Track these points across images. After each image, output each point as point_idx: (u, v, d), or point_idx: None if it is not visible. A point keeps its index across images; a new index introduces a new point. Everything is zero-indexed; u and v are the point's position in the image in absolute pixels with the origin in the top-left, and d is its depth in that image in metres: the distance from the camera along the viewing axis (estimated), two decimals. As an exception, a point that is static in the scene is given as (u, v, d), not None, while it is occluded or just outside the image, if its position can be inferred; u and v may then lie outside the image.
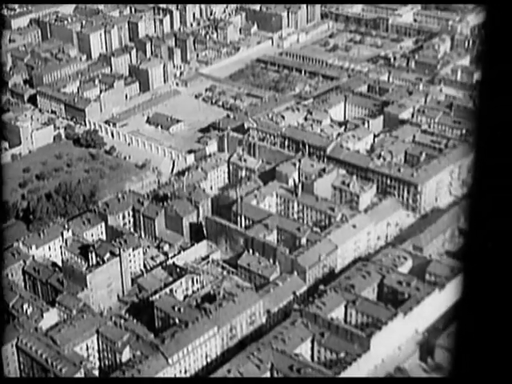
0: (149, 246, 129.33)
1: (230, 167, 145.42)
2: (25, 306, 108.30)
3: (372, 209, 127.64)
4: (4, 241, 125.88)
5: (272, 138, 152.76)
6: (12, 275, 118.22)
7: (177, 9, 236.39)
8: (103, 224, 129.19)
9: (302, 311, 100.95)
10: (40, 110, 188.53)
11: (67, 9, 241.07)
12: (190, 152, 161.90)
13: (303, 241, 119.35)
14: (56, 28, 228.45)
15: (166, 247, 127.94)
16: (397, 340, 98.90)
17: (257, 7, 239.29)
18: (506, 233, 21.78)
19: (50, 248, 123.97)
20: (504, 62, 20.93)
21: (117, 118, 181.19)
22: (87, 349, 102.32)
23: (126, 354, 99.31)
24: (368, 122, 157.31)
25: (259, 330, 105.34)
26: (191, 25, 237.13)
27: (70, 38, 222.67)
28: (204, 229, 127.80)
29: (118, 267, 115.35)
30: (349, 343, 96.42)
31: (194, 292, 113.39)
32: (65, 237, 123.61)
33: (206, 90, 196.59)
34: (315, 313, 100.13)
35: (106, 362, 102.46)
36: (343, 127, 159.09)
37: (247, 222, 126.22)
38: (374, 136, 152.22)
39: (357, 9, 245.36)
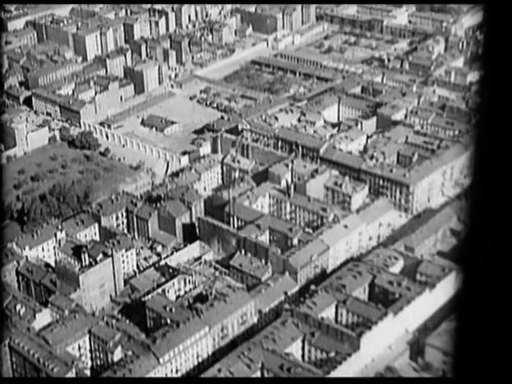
0: (142, 247, 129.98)
1: (224, 168, 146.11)
2: (18, 307, 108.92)
3: (364, 209, 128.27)
4: (2, 240, 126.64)
5: (265, 139, 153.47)
6: (5, 276, 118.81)
7: (172, 11, 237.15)
8: (96, 225, 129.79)
9: (292, 311, 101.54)
10: (35, 112, 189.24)
11: (63, 11, 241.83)
12: (184, 153, 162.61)
13: (295, 241, 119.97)
14: (52, 30, 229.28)
15: (159, 248, 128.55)
16: (387, 339, 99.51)
17: (252, 9, 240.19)
18: (505, 233, 21.96)
19: (43, 249, 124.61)
20: (503, 61, 21.16)
21: (111, 120, 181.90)
22: (79, 349, 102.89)
23: (118, 354, 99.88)
24: (361, 123, 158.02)
25: (251, 329, 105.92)
26: (187, 27, 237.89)
27: (66, 40, 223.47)
28: (197, 229, 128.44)
29: (111, 268, 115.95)
30: (339, 343, 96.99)
31: (186, 292, 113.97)
32: (58, 238, 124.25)
33: (201, 92, 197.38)
34: (306, 313, 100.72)
35: (98, 362, 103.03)
36: (336, 128, 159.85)
37: (240, 222, 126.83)
38: (367, 137, 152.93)
39: (352, 10, 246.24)
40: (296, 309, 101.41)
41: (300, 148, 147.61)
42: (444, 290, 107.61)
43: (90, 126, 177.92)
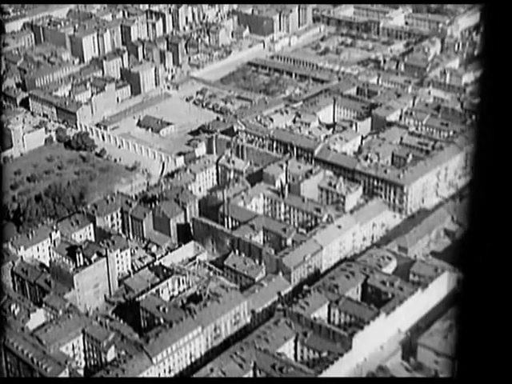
0: (137, 247, 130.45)
1: (219, 169, 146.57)
2: (12, 307, 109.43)
3: (358, 210, 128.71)
4: (2, 240, 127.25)
5: (260, 140, 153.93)
6: (1, 276, 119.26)
7: (169, 13, 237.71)
8: (91, 225, 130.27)
9: (285, 311, 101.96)
10: (32, 113, 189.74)
11: (60, 13, 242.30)
12: (179, 154, 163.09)
13: (289, 241, 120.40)
14: (49, 32, 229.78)
15: (154, 248, 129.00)
16: (379, 339, 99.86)
17: (249, 11, 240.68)
18: (505, 233, 22.01)
19: (38, 249, 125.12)
20: (503, 60, 21.23)
21: (108, 121, 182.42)
22: (73, 348, 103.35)
23: (111, 354, 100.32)
24: (356, 124, 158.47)
25: (244, 329, 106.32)
26: (184, 29, 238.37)
27: (63, 41, 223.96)
28: (191, 230, 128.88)
29: (105, 268, 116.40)
30: (331, 342, 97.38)
31: (179, 293, 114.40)
32: (53, 238, 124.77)
33: (197, 93, 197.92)
34: (298, 312, 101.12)
35: (92, 362, 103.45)
36: (331, 129, 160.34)
37: (234, 223, 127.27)
38: (362, 138, 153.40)
39: (348, 12, 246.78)
40: (289, 309, 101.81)
41: (295, 149, 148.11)
42: (436, 290, 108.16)
43: (86, 127, 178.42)
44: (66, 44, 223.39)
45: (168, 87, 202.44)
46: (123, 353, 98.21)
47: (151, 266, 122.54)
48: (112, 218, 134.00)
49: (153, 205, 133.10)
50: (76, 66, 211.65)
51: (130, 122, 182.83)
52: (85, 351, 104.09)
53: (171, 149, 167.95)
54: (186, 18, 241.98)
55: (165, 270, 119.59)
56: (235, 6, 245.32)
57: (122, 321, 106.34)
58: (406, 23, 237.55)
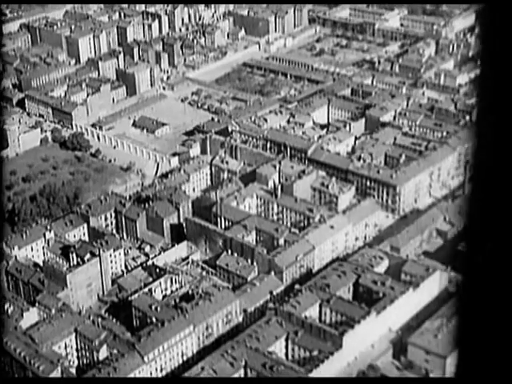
0: (130, 247, 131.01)
1: (212, 169, 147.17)
2: (6, 306, 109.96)
3: (350, 210, 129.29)
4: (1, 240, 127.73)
5: (254, 140, 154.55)
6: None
7: (165, 14, 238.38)
8: (85, 225, 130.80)
9: (276, 310, 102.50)
10: (28, 114, 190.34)
11: (57, 14, 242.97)
12: (174, 155, 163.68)
13: (281, 241, 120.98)
14: (45, 33, 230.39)
15: (147, 248, 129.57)
16: (370, 338, 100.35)
17: (245, 12, 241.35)
18: (505, 233, 21.98)
19: (32, 249, 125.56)
20: (501, 59, 21.32)
21: (103, 122, 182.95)
22: (65, 347, 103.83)
23: (103, 353, 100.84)
24: (350, 124, 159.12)
25: (236, 328, 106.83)
26: (180, 30, 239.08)
27: (59, 42, 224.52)
28: (184, 230, 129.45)
29: (98, 267, 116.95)
30: (322, 341, 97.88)
31: (172, 292, 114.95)
32: (47, 238, 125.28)
33: (192, 94, 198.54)
34: (290, 311, 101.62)
35: (84, 361, 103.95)
36: (325, 130, 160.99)
37: (227, 223, 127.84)
38: (355, 138, 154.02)
39: (344, 14, 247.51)
40: (280, 308, 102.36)
41: (288, 149, 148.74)
42: (428, 290, 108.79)
43: (81, 127, 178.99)
44: (62, 45, 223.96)
45: (163, 88, 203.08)
46: (115, 351, 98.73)
47: (144, 265, 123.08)
48: (106, 218, 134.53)
49: (146, 205, 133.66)
50: (72, 66, 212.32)
51: (125, 122, 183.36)
52: (77, 350, 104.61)
53: (166, 149, 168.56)
54: (182, 19, 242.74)
55: (158, 270, 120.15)
56: (231, 8, 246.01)
57: (114, 320, 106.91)
58: (401, 25, 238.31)
